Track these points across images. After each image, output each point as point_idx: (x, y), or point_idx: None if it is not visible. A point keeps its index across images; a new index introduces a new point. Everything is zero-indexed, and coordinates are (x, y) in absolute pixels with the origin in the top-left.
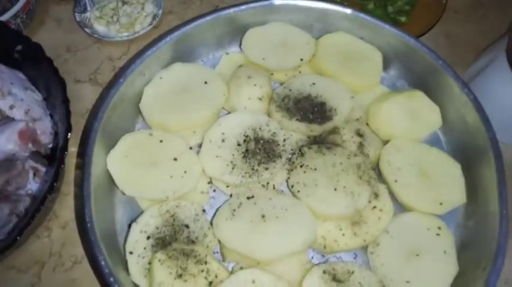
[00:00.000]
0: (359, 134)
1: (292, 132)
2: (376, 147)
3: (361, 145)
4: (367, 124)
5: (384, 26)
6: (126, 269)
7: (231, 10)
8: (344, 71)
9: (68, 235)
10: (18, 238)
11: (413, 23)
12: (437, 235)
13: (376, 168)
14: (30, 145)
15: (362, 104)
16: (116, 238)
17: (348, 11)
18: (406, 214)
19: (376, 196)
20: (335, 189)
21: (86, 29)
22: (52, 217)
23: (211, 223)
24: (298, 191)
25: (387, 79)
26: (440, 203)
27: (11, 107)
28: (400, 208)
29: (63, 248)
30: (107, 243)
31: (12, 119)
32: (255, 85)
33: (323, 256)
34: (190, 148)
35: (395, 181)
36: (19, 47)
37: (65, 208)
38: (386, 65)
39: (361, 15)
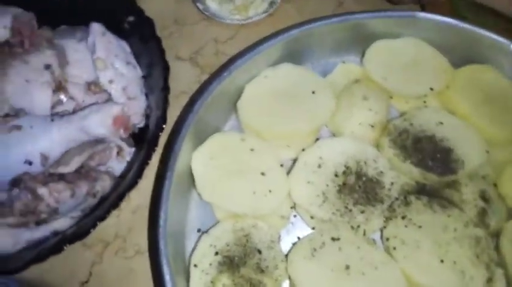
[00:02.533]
0: (484, 197)
1: (401, 175)
2: (500, 218)
3: (483, 212)
4: (495, 185)
5: None
6: (187, 279)
7: (362, 15)
8: (482, 114)
9: (136, 221)
10: (91, 230)
11: None
12: None
13: (494, 241)
14: (121, 131)
15: (494, 159)
16: (182, 240)
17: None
18: None
19: (490, 280)
20: (441, 261)
21: (197, 4)
22: (125, 197)
23: (286, 255)
24: (394, 248)
25: None
26: None
27: (110, 82)
28: None
29: (129, 233)
30: (173, 244)
31: (109, 95)
32: (370, 110)
33: None
34: (282, 165)
35: None
36: (131, 18)
37: (138, 191)
38: None
39: None
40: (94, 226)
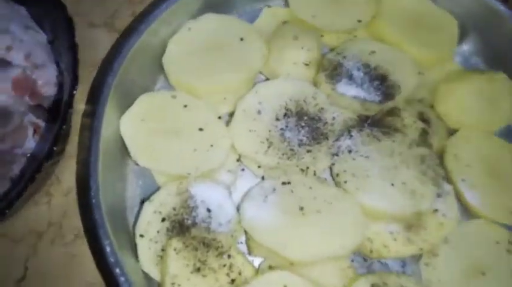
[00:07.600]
0: (423, 119)
1: (342, 109)
2: (441, 136)
3: (424, 132)
4: (432, 107)
5: None
6: (135, 253)
7: None
8: (411, 39)
9: (71, 203)
10: (13, 204)
11: None
12: (508, 251)
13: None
14: (27, 98)
15: (428, 82)
16: (124, 215)
17: None
18: (472, 222)
19: (440, 197)
20: (392, 184)
21: None
22: (54, 181)
23: (237, 209)
24: (345, 182)
25: (459, 54)
26: None
27: (8, 49)
28: (464, 211)
29: (64, 218)
30: (114, 221)
31: (8, 64)
32: (302, 48)
33: (365, 260)
34: (219, 117)
35: (463, 180)
36: None
37: (69, 171)
38: (460, 37)
39: None
40: (11, 203)
